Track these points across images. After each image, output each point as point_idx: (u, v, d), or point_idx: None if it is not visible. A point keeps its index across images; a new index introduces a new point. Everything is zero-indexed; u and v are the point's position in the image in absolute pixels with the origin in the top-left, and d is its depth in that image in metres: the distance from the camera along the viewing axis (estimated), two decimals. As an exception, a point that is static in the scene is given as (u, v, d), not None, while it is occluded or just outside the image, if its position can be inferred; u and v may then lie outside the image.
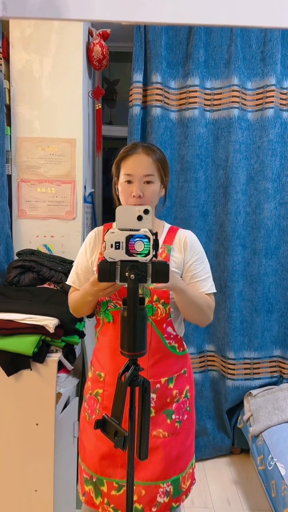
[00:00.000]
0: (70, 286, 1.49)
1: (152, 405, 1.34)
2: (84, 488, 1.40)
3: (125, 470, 1.30)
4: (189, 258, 1.38)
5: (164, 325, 1.35)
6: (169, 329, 1.37)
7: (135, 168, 1.32)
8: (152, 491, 1.33)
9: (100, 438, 1.33)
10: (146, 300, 1.32)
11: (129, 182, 1.33)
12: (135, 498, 1.31)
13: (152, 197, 1.34)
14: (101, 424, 1.00)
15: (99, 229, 1.46)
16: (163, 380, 1.36)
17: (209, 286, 1.39)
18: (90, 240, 1.44)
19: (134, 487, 1.29)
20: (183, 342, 1.45)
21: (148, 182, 1.33)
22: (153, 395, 1.35)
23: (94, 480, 1.37)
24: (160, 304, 1.33)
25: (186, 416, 1.42)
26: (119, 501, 1.33)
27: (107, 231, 1.03)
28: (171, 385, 1.38)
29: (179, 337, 1.41)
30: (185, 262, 1.38)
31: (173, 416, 1.38)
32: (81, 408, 1.48)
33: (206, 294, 1.38)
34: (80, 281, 1.43)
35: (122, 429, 0.95)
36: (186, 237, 1.41)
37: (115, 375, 1.30)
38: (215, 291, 1.41)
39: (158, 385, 1.35)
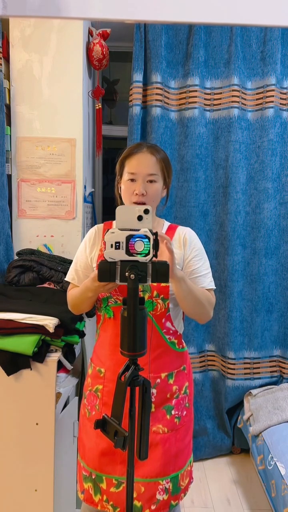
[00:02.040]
0: (69, 285, 1.49)
1: (152, 400, 1.35)
2: (83, 485, 1.40)
3: (124, 467, 1.31)
4: (188, 253, 1.39)
5: (163, 320, 1.36)
6: (168, 324, 1.38)
7: (139, 166, 1.33)
8: (151, 488, 1.33)
9: (99, 435, 1.33)
10: (146, 295, 1.32)
11: (132, 180, 1.34)
12: (134, 495, 1.31)
13: (154, 196, 1.36)
14: (101, 424, 1.00)
15: (99, 226, 1.47)
16: (163, 375, 1.37)
17: (208, 282, 1.39)
18: (90, 237, 1.45)
19: (134, 484, 1.29)
20: (182, 340, 1.46)
21: (151, 181, 1.34)
22: (153, 390, 1.35)
23: (93, 477, 1.37)
24: (160, 300, 1.34)
25: (185, 412, 1.43)
26: (118, 498, 1.34)
27: (107, 230, 1.03)
28: (171, 381, 1.39)
29: (178, 333, 1.42)
30: (185, 258, 1.39)
31: (173, 412, 1.39)
32: (81, 405, 1.48)
33: (206, 289, 1.38)
34: (79, 277, 1.43)
35: (122, 429, 0.95)
36: (186, 234, 1.42)
37: (115, 371, 1.32)
38: (215, 287, 1.42)
39: (158, 380, 1.36)
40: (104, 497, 1.35)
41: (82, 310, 1.43)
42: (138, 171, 1.33)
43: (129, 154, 1.36)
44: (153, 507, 1.33)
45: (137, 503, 1.32)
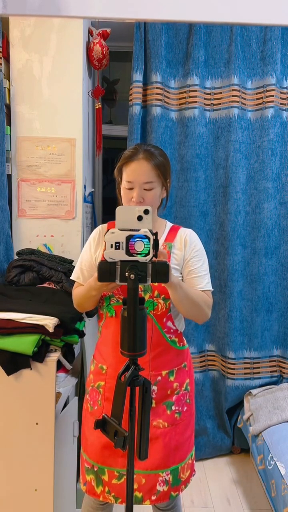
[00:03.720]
0: (70, 286, 1.50)
1: (153, 396, 1.37)
2: (85, 477, 1.43)
3: (125, 460, 1.33)
4: (188, 253, 1.41)
5: (164, 320, 1.38)
6: (169, 324, 1.40)
7: (135, 175, 1.34)
8: (152, 479, 1.37)
9: None
10: (147, 295, 1.34)
11: (130, 188, 1.36)
12: (135, 486, 1.35)
13: (152, 201, 1.37)
14: (101, 424, 1.00)
15: (104, 226, 1.50)
16: (164, 373, 1.40)
17: (205, 284, 1.40)
18: (94, 237, 1.47)
19: (134, 476, 1.32)
20: (183, 338, 1.48)
21: (148, 189, 1.35)
22: (154, 387, 1.38)
23: (95, 469, 1.40)
24: (160, 299, 1.36)
25: (185, 408, 1.45)
26: (120, 489, 1.37)
27: (108, 231, 1.03)
28: (171, 378, 1.41)
29: (179, 332, 1.44)
30: (185, 258, 1.41)
31: (173, 407, 1.41)
32: (84, 400, 1.51)
33: (202, 291, 1.39)
34: (84, 276, 1.45)
35: (122, 429, 0.95)
36: (187, 235, 1.44)
37: (117, 368, 1.35)
38: (212, 289, 1.42)
39: (159, 378, 1.39)
40: (106, 489, 1.39)
41: (86, 308, 1.45)
42: (134, 179, 1.34)
43: (126, 162, 1.37)
44: (153, 498, 1.37)
45: (137, 494, 1.36)
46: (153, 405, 1.38)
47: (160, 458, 1.37)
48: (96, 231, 1.48)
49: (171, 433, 1.40)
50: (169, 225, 1.48)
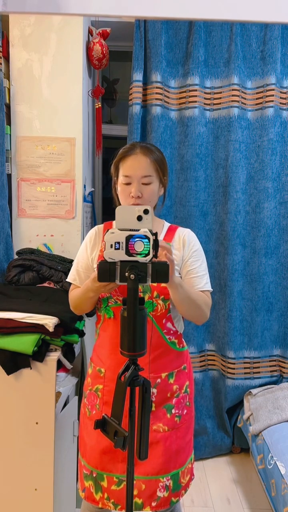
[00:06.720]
0: (70, 285, 1.49)
1: (152, 399, 1.35)
2: (84, 484, 1.42)
3: (125, 465, 1.32)
4: (187, 254, 1.40)
5: (164, 321, 1.37)
6: (169, 325, 1.38)
7: (133, 169, 1.34)
8: (152, 485, 1.35)
9: (100, 433, 1.33)
10: (147, 296, 1.33)
11: (127, 183, 1.34)
12: (135, 492, 1.33)
13: (150, 197, 1.36)
14: (101, 424, 1.00)
15: (100, 227, 1.48)
16: (163, 375, 1.38)
17: (204, 284, 1.39)
18: (90, 238, 1.45)
19: (134, 482, 1.30)
20: (183, 339, 1.46)
21: (146, 183, 1.34)
22: (153, 390, 1.36)
23: (94, 475, 1.38)
24: (160, 300, 1.34)
25: (185, 411, 1.43)
26: (119, 496, 1.35)
27: (107, 231, 1.03)
28: (171, 380, 1.40)
29: (178, 333, 1.43)
30: (184, 258, 1.40)
31: (173, 411, 1.40)
32: (81, 405, 1.49)
33: (201, 291, 1.38)
34: (81, 278, 1.44)
35: (122, 429, 0.95)
36: (185, 235, 1.43)
37: (115, 370, 1.33)
38: (211, 289, 1.41)
39: (158, 380, 1.37)
40: (105, 495, 1.36)
41: (83, 310, 1.43)
42: (132, 173, 1.33)
43: (123, 157, 1.36)
44: (153, 504, 1.35)
45: (138, 500, 1.34)
46: (153, 408, 1.36)
47: (160, 463, 1.35)
48: (92, 232, 1.46)
49: (171, 437, 1.38)
50: (166, 225, 1.47)
